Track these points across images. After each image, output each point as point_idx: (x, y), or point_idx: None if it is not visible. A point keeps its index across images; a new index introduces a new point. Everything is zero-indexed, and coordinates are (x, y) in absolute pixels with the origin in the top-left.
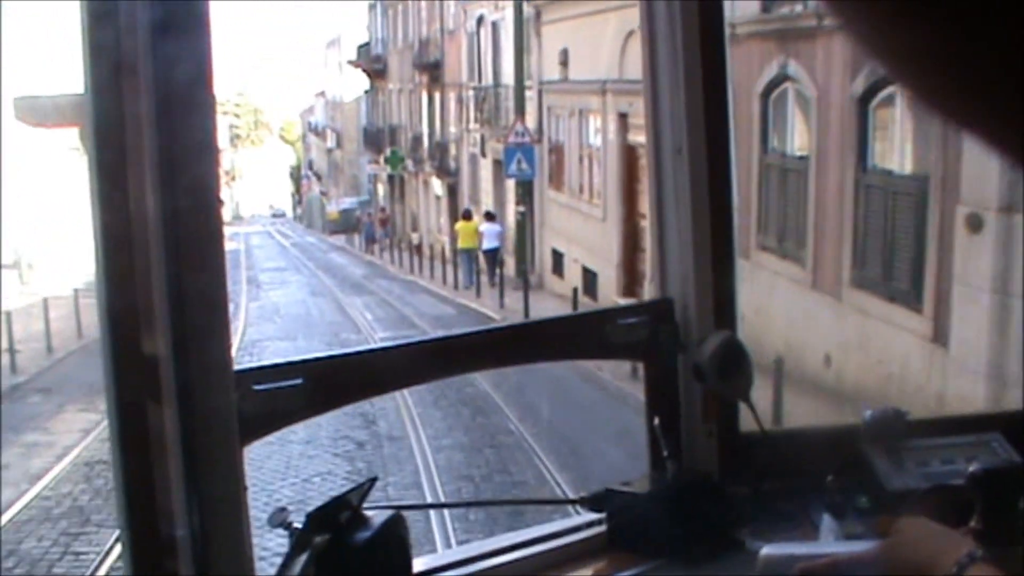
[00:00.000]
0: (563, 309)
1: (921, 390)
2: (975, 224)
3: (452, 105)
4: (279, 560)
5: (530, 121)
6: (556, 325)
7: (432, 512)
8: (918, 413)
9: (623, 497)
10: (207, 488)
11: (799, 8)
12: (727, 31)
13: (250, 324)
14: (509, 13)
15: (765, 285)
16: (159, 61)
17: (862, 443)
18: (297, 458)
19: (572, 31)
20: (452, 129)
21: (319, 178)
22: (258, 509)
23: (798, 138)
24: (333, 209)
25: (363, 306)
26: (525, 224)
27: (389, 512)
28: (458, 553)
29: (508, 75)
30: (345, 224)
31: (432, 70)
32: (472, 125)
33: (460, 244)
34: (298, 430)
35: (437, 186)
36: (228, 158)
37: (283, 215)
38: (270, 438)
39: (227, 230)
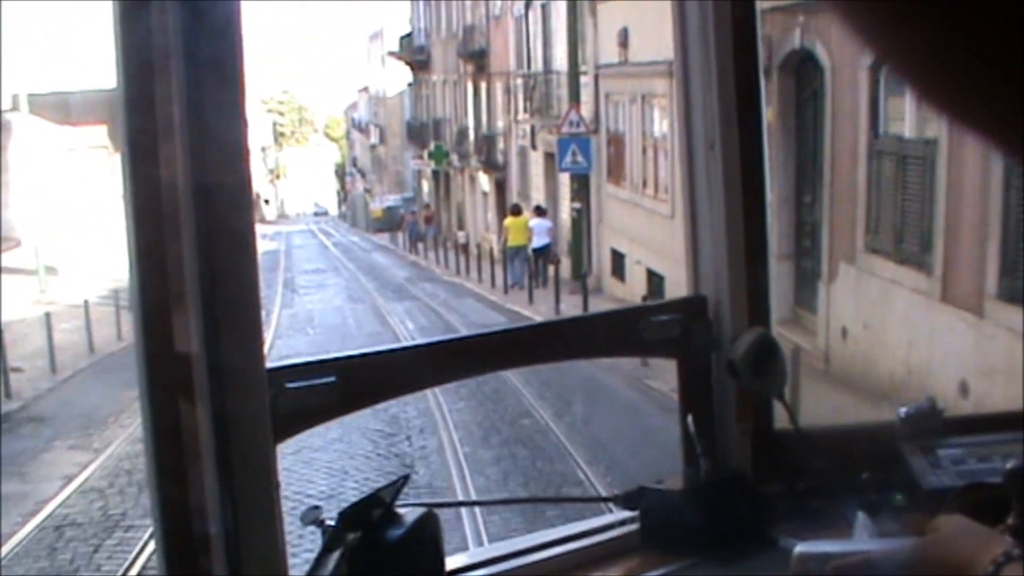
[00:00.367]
0: None
1: None
2: None
3: (499, 95)
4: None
5: (585, 110)
6: (589, 322)
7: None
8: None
9: (656, 495)
10: (240, 486)
11: None
12: None
13: (279, 336)
14: None
15: (877, 295)
16: (190, 58)
17: (897, 441)
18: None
19: (632, 8)
20: (499, 121)
21: (363, 175)
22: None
23: (921, 120)
24: (377, 207)
25: (405, 313)
26: (581, 222)
27: (421, 510)
28: (491, 551)
29: (560, 60)
30: (389, 222)
31: (477, 59)
32: (521, 116)
33: (509, 242)
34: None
35: (484, 182)
36: (272, 156)
37: (325, 213)
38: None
39: (270, 229)
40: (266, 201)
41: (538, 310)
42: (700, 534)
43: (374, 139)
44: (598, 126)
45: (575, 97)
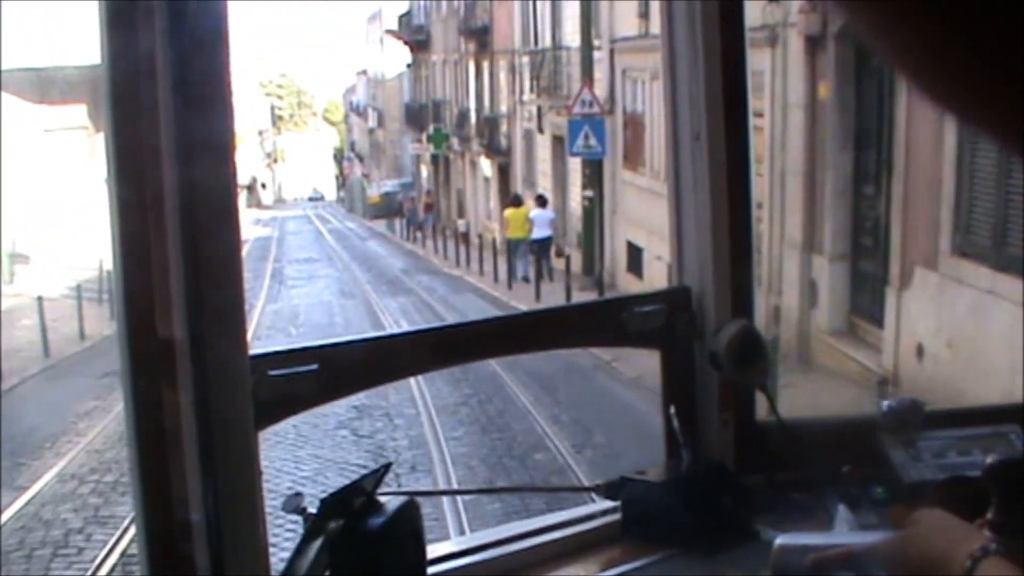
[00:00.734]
0: None
1: None
2: None
3: (503, 75)
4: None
5: (599, 88)
6: (572, 312)
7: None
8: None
9: (638, 486)
10: (222, 473)
11: None
12: None
13: (257, 337)
14: None
15: (966, 308)
16: (176, 42)
17: (879, 434)
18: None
19: None
20: (503, 102)
21: (361, 160)
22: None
23: None
24: (374, 192)
25: (399, 311)
26: (593, 212)
27: (403, 498)
28: (471, 540)
29: (570, 35)
30: (387, 208)
31: (480, 36)
32: (527, 96)
33: (509, 233)
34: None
35: (486, 167)
36: (270, 140)
37: (321, 198)
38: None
39: (265, 214)
40: (263, 185)
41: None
42: (681, 525)
43: (372, 123)
44: (613, 106)
45: (588, 74)
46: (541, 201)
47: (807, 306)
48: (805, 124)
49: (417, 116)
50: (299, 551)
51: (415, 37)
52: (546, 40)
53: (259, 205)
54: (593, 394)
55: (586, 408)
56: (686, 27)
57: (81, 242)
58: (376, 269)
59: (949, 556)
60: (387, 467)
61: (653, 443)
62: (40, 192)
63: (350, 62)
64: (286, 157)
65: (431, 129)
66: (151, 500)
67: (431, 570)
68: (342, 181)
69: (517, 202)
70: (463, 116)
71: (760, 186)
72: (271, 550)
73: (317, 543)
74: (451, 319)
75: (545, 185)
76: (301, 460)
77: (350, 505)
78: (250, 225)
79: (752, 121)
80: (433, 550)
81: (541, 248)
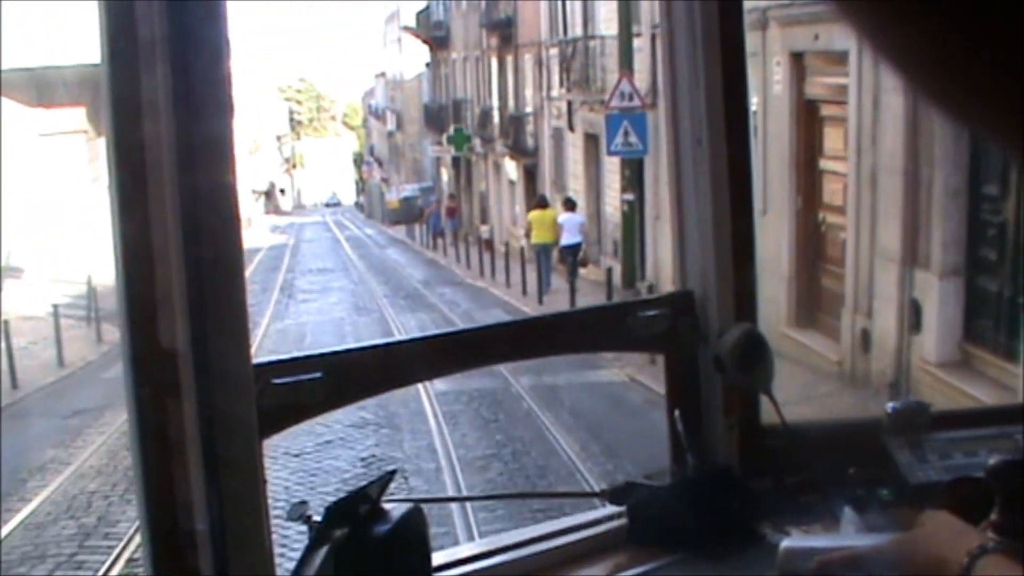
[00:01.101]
0: None
1: None
2: None
3: (528, 70)
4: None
5: (639, 80)
6: (577, 317)
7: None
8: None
9: (644, 490)
10: (227, 482)
11: None
12: None
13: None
14: None
15: None
16: (177, 56)
17: (885, 436)
18: None
19: None
20: (529, 100)
21: (380, 164)
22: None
23: None
24: (393, 197)
25: (418, 331)
26: (634, 217)
27: (408, 505)
28: (477, 547)
29: (603, 23)
30: (407, 214)
31: (503, 29)
32: (555, 92)
33: (534, 238)
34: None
35: (511, 169)
36: (289, 146)
37: (338, 204)
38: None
39: (283, 220)
40: (282, 191)
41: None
42: (687, 529)
43: (391, 126)
44: (656, 99)
45: (627, 64)
46: (570, 205)
47: (907, 331)
48: (905, 112)
49: (437, 117)
50: (304, 559)
51: (434, 34)
52: (576, 29)
53: (277, 211)
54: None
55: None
56: (686, 33)
57: (72, 254)
58: (394, 280)
59: (948, 556)
60: (392, 474)
61: None
62: (36, 200)
63: (370, 65)
64: (305, 162)
65: (451, 130)
66: (156, 508)
67: None
68: (362, 186)
69: (543, 204)
70: (485, 115)
71: (842, 188)
72: (276, 559)
73: (323, 551)
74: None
75: (576, 188)
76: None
77: (355, 513)
78: (266, 232)
79: (824, 111)
80: (439, 557)
81: (569, 254)
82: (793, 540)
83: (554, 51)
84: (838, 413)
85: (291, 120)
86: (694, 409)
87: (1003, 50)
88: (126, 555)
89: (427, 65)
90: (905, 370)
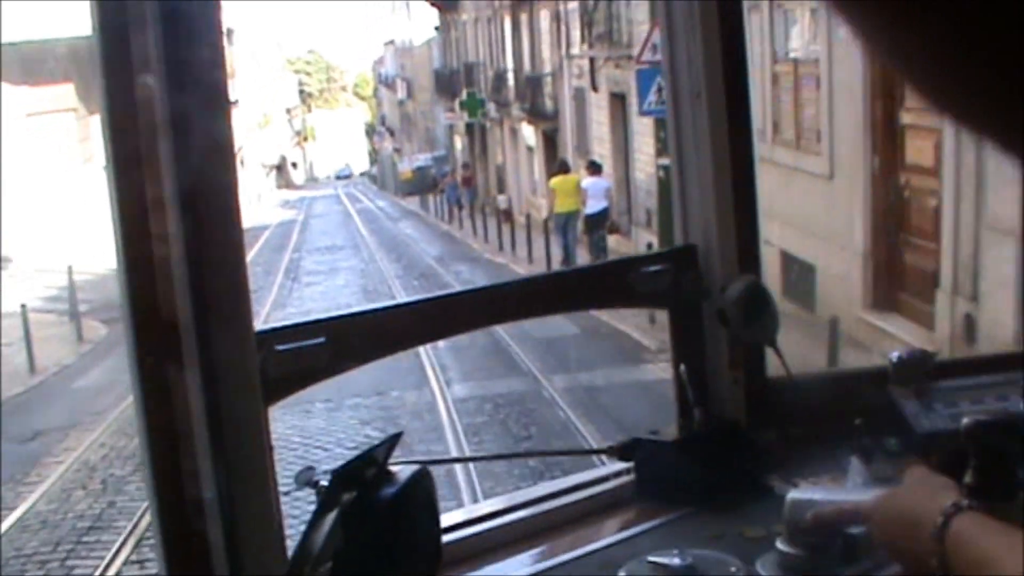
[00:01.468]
0: None
1: None
2: None
3: (545, 26)
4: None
5: None
6: (579, 275)
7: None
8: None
9: (650, 446)
10: (232, 450)
11: None
12: None
13: None
14: None
15: None
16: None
17: (890, 386)
18: None
19: None
20: (547, 59)
21: (392, 134)
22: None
23: None
24: (406, 168)
25: None
26: (671, 185)
27: (415, 467)
28: (485, 507)
29: None
30: (420, 184)
31: None
32: (576, 49)
33: (556, 207)
34: None
35: (529, 134)
36: (300, 119)
37: (348, 176)
38: None
39: (294, 195)
40: (293, 165)
41: (632, 319)
42: (695, 484)
43: (401, 94)
44: None
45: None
46: (594, 168)
47: None
48: None
49: (449, 83)
50: (313, 524)
51: None
52: None
53: (289, 185)
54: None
55: None
56: None
57: (58, 242)
58: (407, 257)
59: (924, 513)
60: (398, 436)
61: None
62: (24, 184)
63: (379, 34)
64: (317, 135)
65: (464, 95)
66: (163, 479)
67: (445, 538)
68: (374, 157)
69: (564, 168)
70: (500, 79)
71: (933, 146)
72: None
73: (331, 516)
74: (506, 337)
75: (602, 152)
76: None
77: (362, 476)
78: (276, 207)
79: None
80: (447, 518)
81: (595, 223)
82: (800, 492)
83: (573, 4)
84: None
85: (301, 92)
86: (699, 364)
87: (1003, 50)
88: None
89: (436, 29)
90: None
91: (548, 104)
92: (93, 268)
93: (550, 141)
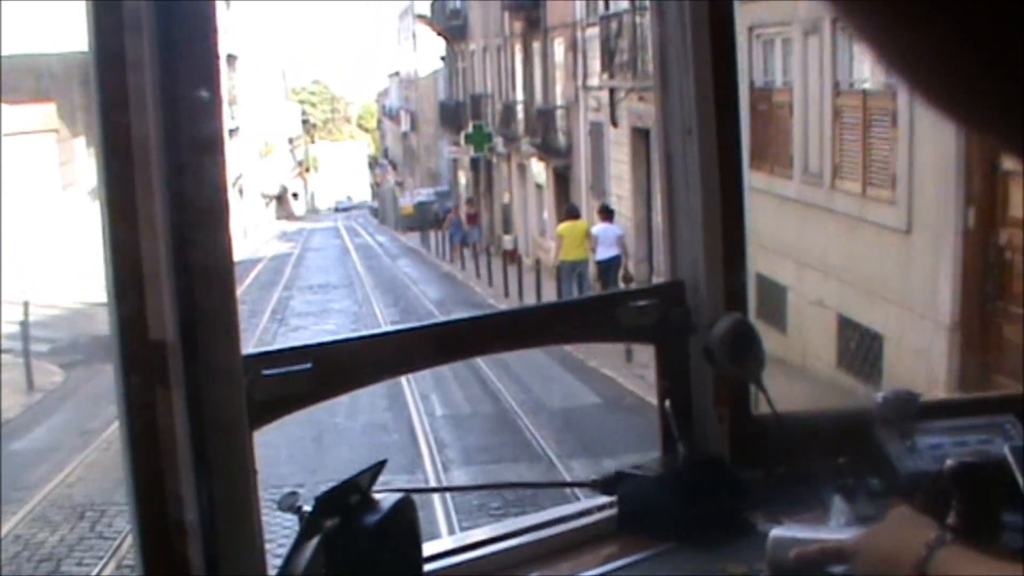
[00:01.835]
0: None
1: None
2: None
3: (559, 56)
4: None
5: None
6: (567, 308)
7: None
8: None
9: (634, 480)
10: (217, 473)
11: None
12: None
13: None
14: None
15: None
16: (162, 21)
17: (875, 425)
18: None
19: None
20: (560, 91)
21: (394, 167)
22: None
23: None
24: (407, 202)
25: (433, 382)
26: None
27: (398, 495)
28: (467, 537)
29: None
30: (421, 220)
31: (528, 12)
32: (594, 80)
33: (562, 254)
34: None
35: (539, 171)
36: (302, 149)
37: (347, 209)
38: None
39: (292, 226)
40: (294, 195)
41: (643, 370)
42: (678, 519)
43: (405, 126)
44: None
45: None
46: (606, 213)
47: None
48: None
49: (454, 115)
50: (295, 549)
51: (450, 24)
52: (621, 2)
53: (289, 216)
54: None
55: None
56: (677, 23)
57: (20, 275)
58: (404, 300)
59: (906, 549)
60: (382, 464)
61: None
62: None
63: (385, 65)
64: (319, 166)
65: (469, 128)
66: (146, 500)
67: (428, 567)
68: (376, 190)
69: (573, 214)
70: (509, 111)
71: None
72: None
73: (313, 542)
74: (513, 403)
75: (620, 193)
76: None
77: (346, 503)
78: (272, 240)
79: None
80: (429, 547)
81: (606, 271)
82: (783, 529)
83: (592, 31)
84: None
85: (304, 123)
86: (685, 399)
87: (1003, 50)
88: None
89: (442, 59)
90: None
91: (561, 139)
92: (60, 303)
93: (562, 179)
